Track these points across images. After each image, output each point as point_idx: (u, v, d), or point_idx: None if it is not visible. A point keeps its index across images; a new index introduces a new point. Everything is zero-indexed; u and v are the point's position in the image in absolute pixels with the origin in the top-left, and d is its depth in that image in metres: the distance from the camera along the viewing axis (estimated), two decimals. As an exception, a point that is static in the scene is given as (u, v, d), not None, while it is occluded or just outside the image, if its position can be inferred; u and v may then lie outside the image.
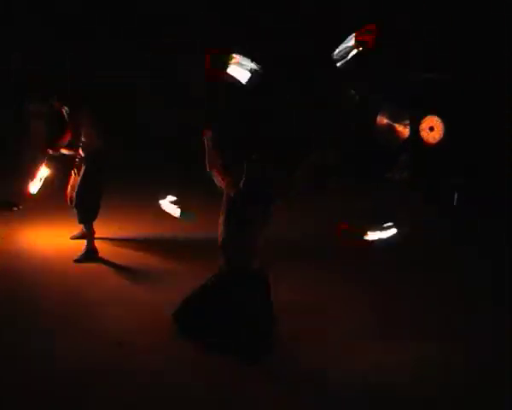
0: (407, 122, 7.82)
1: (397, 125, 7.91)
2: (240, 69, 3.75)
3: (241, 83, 3.76)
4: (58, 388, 3.39)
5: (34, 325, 4.10)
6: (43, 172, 5.50)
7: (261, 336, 3.83)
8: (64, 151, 5.44)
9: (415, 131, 7.68)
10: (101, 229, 5.68)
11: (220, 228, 3.97)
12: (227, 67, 3.75)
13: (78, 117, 5.29)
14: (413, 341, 4.12)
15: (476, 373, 3.77)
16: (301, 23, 8.13)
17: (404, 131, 7.91)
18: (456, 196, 7.40)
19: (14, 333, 4.00)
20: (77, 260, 5.38)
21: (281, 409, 3.30)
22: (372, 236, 3.89)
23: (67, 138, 5.33)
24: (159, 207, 4.27)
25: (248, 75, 3.75)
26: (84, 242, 5.49)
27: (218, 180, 4.03)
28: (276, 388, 3.49)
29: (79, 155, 5.36)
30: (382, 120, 7.99)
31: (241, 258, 3.93)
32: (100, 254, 5.49)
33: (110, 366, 3.65)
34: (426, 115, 7.52)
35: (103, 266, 5.39)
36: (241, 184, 3.87)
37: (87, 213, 5.42)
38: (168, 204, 4.12)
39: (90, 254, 5.45)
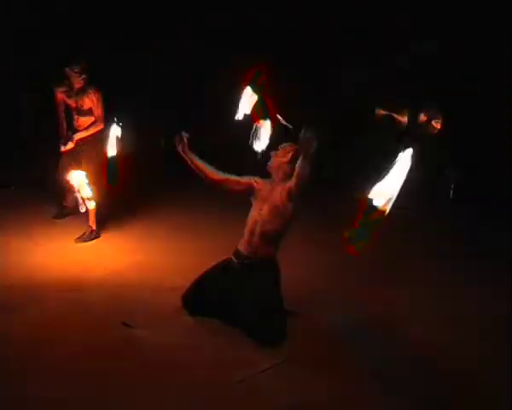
0: (405, 112, 7.82)
1: (395, 115, 7.91)
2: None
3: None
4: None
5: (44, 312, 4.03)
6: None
7: (275, 320, 3.80)
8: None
9: (414, 121, 7.67)
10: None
11: (251, 215, 3.96)
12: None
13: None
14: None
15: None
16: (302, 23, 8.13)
17: (402, 119, 7.89)
18: (452, 189, 7.42)
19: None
20: (80, 240, 5.44)
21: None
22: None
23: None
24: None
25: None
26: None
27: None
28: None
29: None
30: (380, 111, 7.99)
31: (268, 249, 3.94)
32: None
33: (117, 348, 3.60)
34: (426, 106, 7.54)
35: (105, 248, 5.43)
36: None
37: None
38: None
39: (93, 235, 5.52)
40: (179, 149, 3.99)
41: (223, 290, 3.95)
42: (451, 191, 7.47)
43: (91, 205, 5.15)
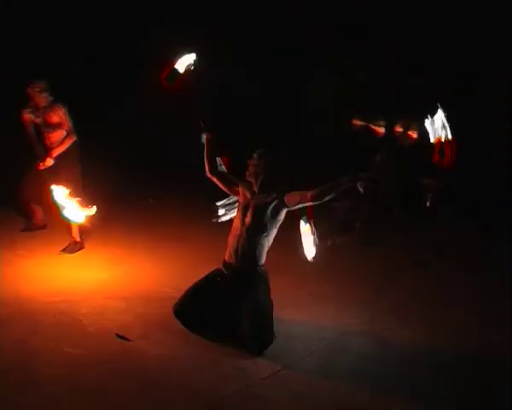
0: (382, 123, 7.94)
1: (371, 126, 8.02)
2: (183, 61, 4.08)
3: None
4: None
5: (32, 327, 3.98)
6: None
7: (264, 331, 3.81)
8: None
9: (390, 131, 7.79)
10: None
11: (236, 223, 3.98)
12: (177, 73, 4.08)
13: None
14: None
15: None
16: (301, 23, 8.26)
17: (379, 130, 8.00)
18: (429, 197, 7.56)
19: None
20: (65, 252, 5.42)
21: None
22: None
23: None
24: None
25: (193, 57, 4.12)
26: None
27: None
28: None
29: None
30: (357, 121, 8.09)
31: (254, 259, 3.94)
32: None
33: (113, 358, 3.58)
34: (402, 115, 7.66)
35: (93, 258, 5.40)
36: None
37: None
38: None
39: (78, 247, 5.51)
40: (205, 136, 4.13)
41: (215, 302, 3.93)
42: (427, 200, 7.62)
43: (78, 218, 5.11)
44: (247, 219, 3.91)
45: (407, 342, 4.07)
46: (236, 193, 4.09)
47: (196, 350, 3.75)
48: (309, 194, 3.76)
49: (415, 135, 7.82)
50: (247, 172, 4.00)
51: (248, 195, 3.99)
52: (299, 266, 4.23)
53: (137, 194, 7.66)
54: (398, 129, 7.80)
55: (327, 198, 3.73)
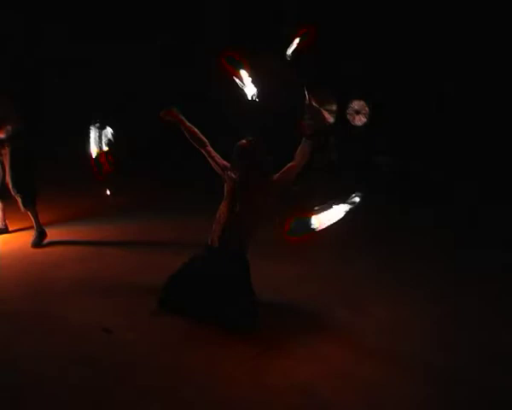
0: (333, 108, 8.17)
1: (323, 110, 8.24)
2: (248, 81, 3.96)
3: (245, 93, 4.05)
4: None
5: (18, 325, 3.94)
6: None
7: (254, 306, 3.96)
8: None
9: (342, 114, 8.06)
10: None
11: (222, 211, 4.06)
12: (241, 68, 3.94)
13: None
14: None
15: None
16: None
17: (329, 116, 8.23)
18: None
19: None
20: (34, 245, 5.42)
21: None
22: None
23: None
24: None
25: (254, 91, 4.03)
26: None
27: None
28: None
29: None
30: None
31: (242, 246, 4.06)
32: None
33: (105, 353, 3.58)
34: (353, 100, 7.97)
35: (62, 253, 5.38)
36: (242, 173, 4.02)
37: (27, 196, 5.40)
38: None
39: (43, 235, 5.50)
40: (172, 113, 4.20)
41: (198, 286, 4.01)
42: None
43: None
44: (237, 208, 4.00)
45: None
46: (223, 172, 4.16)
47: (187, 337, 3.82)
48: (291, 165, 3.96)
49: (364, 118, 8.18)
50: (234, 163, 4.09)
51: (236, 183, 4.06)
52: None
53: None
54: (352, 110, 8.13)
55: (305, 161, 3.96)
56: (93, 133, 4.56)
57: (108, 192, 7.53)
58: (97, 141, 4.55)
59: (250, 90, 4.05)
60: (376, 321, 4.12)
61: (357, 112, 8.02)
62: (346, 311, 4.25)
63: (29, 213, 5.49)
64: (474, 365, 3.55)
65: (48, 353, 3.56)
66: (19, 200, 5.41)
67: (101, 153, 4.55)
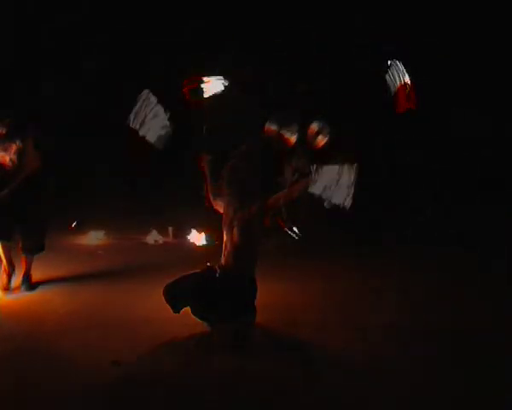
0: (294, 130, 8.42)
1: (284, 133, 8.47)
2: (213, 85, 4.12)
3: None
4: None
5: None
6: None
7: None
8: None
9: (303, 137, 8.30)
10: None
11: (230, 239, 4.17)
12: (203, 93, 4.10)
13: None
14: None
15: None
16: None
17: (290, 138, 8.48)
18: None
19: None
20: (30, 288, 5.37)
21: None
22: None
23: None
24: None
25: (221, 86, 4.14)
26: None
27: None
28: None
29: None
30: (270, 127, 8.51)
31: (245, 266, 4.19)
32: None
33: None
34: (313, 122, 8.21)
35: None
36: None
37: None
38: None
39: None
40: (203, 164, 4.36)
41: (204, 290, 4.13)
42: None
43: None
44: (235, 237, 4.14)
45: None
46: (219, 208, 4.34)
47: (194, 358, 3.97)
48: (281, 195, 4.24)
49: (324, 140, 8.45)
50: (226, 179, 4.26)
51: (232, 210, 4.19)
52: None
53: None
54: (311, 132, 8.36)
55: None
56: None
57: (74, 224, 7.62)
58: None
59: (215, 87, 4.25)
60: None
61: (317, 133, 8.26)
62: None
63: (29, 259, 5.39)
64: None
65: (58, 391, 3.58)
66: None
67: None
